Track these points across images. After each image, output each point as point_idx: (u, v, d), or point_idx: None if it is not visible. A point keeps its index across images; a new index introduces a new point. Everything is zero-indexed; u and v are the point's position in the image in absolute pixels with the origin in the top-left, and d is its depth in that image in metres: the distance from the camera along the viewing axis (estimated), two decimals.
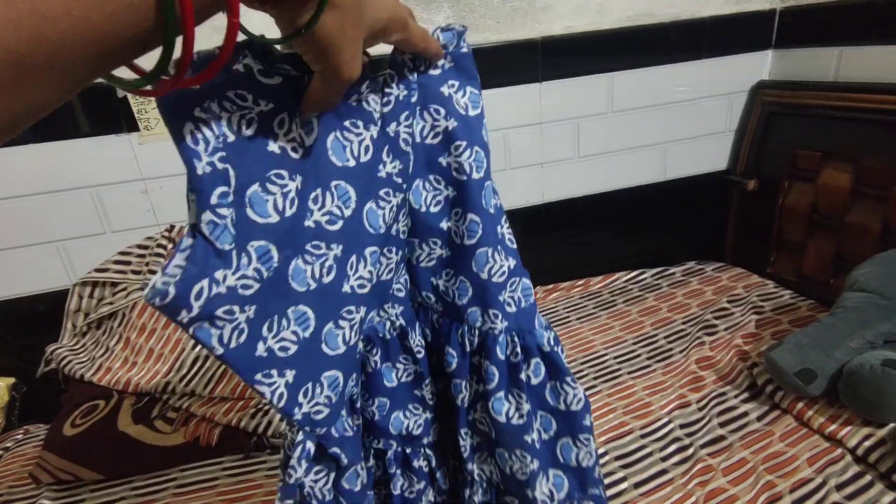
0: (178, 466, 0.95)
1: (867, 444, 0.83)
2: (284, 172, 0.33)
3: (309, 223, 0.36)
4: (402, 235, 0.46)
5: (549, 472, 0.49)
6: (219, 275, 0.30)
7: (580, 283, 1.50)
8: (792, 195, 1.34)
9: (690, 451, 0.89)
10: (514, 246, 0.47)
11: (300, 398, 0.38)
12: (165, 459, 0.95)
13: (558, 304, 1.41)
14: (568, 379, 0.48)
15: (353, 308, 0.41)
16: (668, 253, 1.57)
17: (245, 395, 1.04)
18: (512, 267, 0.46)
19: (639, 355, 1.17)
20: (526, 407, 0.47)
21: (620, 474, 0.87)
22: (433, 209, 0.44)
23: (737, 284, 1.38)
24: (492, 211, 0.44)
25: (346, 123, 0.37)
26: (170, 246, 1.11)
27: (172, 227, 1.13)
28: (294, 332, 0.36)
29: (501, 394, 0.47)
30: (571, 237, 1.48)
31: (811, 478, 0.81)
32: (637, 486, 0.85)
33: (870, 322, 0.92)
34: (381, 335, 0.47)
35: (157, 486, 0.92)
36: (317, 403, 0.39)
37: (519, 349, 0.46)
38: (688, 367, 1.10)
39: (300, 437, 0.40)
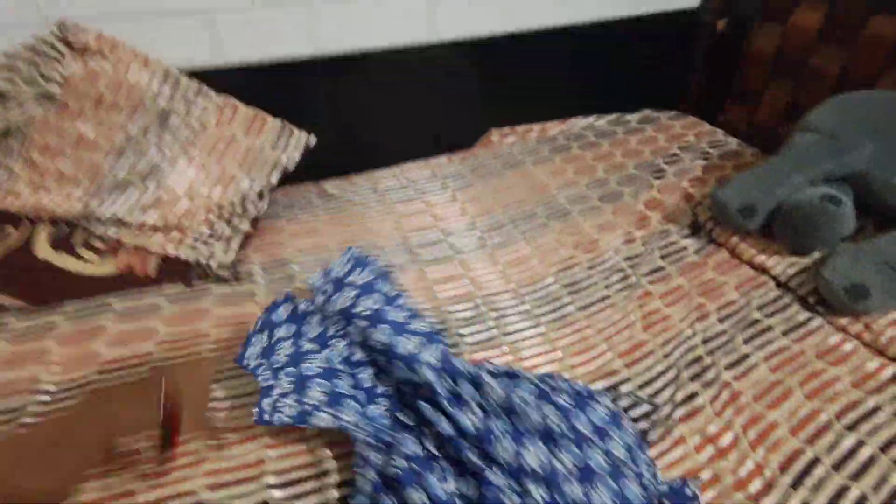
0: (115, 295, 0.89)
1: (790, 271, 0.91)
2: None
3: None
4: None
5: None
6: None
7: (536, 127, 1.45)
8: (760, 38, 1.30)
9: (632, 279, 0.95)
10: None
11: None
12: (97, 288, 0.88)
13: (513, 149, 1.37)
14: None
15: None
16: (624, 100, 1.53)
17: (182, 225, 0.96)
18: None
19: (590, 196, 1.18)
20: None
21: (567, 299, 0.92)
22: None
23: (688, 132, 1.39)
24: None
25: None
26: (65, 49, 0.92)
27: (64, 25, 0.93)
28: None
29: None
30: (530, 77, 1.39)
31: (736, 299, 0.89)
32: (581, 308, 0.90)
33: (814, 162, 0.95)
34: None
35: (93, 312, 0.86)
36: None
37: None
38: (636, 207, 1.13)
39: None
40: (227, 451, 0.66)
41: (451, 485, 0.58)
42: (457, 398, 0.63)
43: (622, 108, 1.51)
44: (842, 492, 0.61)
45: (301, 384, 0.66)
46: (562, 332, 0.86)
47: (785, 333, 0.83)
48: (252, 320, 0.86)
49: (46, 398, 0.73)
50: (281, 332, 0.73)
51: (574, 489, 0.56)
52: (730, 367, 0.77)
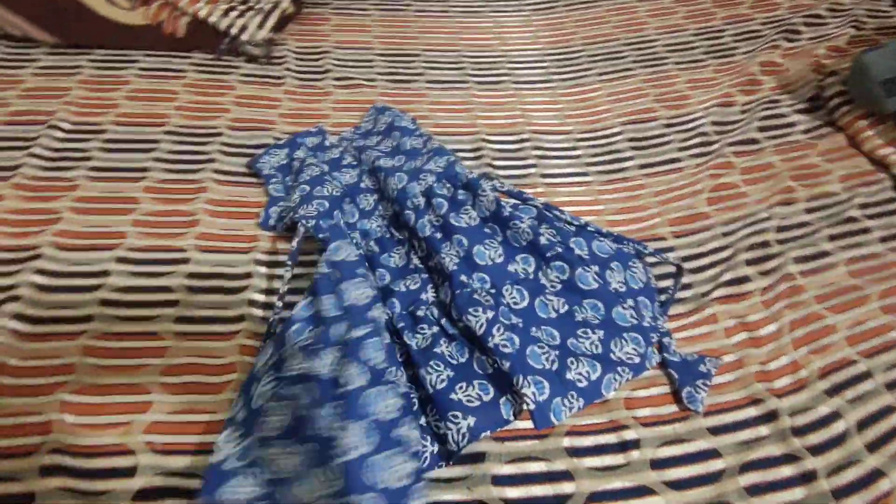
0: (142, 50, 0.84)
1: None
2: None
3: None
4: None
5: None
6: None
7: None
8: None
9: (714, 147, 0.78)
10: None
11: None
12: (125, 39, 0.83)
13: None
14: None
15: None
16: None
17: None
18: None
19: (695, 47, 0.96)
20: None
21: (628, 153, 0.78)
22: None
23: None
24: None
25: None
26: None
27: None
28: None
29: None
30: None
31: (836, 192, 0.72)
32: (642, 167, 0.76)
33: None
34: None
35: (118, 63, 0.82)
36: None
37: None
38: (748, 68, 0.91)
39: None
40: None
41: (429, 293, 0.55)
42: (452, 201, 0.61)
43: None
44: (885, 412, 0.51)
45: (307, 200, 0.63)
46: (611, 186, 0.74)
47: (883, 240, 0.67)
48: (276, 105, 0.80)
49: (60, 135, 0.71)
50: (299, 154, 0.71)
51: (555, 302, 0.54)
52: (801, 260, 0.64)
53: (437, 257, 0.56)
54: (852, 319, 0.59)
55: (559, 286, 0.55)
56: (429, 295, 0.55)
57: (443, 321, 0.52)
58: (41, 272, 0.56)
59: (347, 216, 0.63)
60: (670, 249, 0.66)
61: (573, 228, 0.61)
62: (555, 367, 0.49)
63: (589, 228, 0.61)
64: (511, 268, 0.57)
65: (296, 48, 0.90)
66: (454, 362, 0.49)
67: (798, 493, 0.46)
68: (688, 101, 0.86)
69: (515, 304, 0.53)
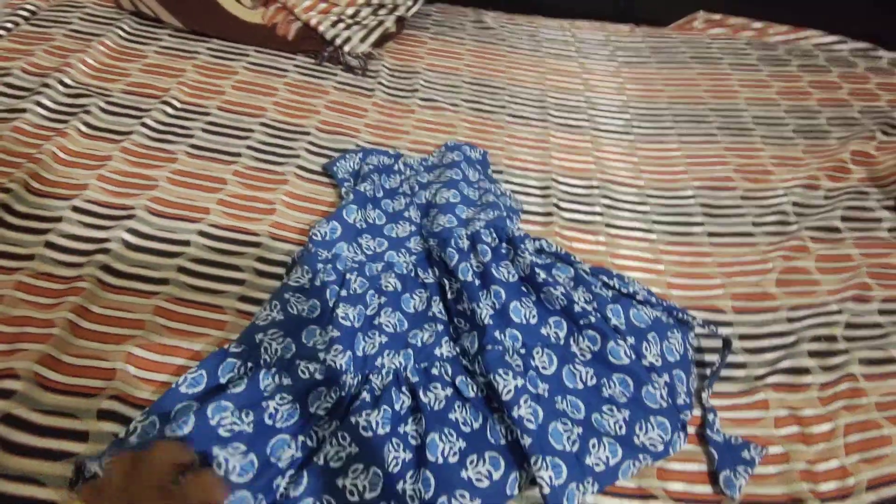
0: (253, 46, 0.91)
1: None
2: None
3: None
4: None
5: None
6: None
7: (756, 25, 1.16)
8: None
9: (791, 227, 0.76)
10: None
11: None
12: (241, 33, 0.90)
13: (715, 42, 1.12)
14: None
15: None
16: (880, 32, 1.15)
17: None
18: None
19: (786, 124, 0.94)
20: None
21: (699, 219, 0.77)
22: None
23: None
24: None
25: None
26: None
27: None
28: None
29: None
30: None
31: None
32: (711, 234, 0.75)
33: None
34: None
35: (231, 54, 0.89)
36: None
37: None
38: (839, 154, 0.88)
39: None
40: None
41: (443, 348, 0.54)
42: (495, 252, 0.60)
43: (879, 41, 1.14)
44: None
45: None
46: (675, 248, 0.73)
47: None
48: (363, 114, 0.84)
49: (170, 111, 0.78)
50: (367, 166, 0.73)
51: (583, 372, 0.53)
52: (867, 363, 0.61)
53: (471, 305, 0.55)
54: None
55: (589, 356, 0.54)
56: (443, 350, 0.53)
57: (458, 380, 0.50)
58: (132, 231, 0.61)
59: (375, 244, 0.63)
60: (728, 324, 0.64)
61: (611, 294, 0.59)
62: (575, 447, 0.47)
63: (631, 290, 0.59)
64: (543, 330, 0.55)
65: (390, 65, 0.95)
66: (467, 430, 0.47)
67: None
68: (770, 176, 0.84)
69: (544, 368, 0.52)
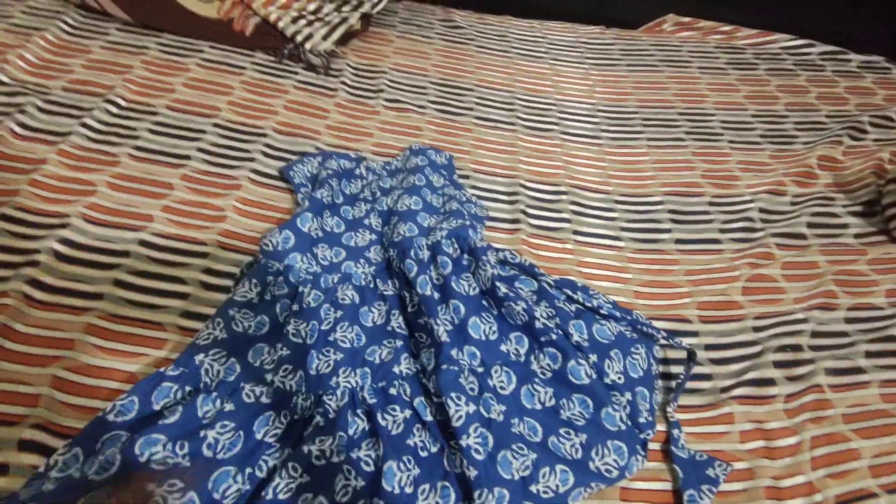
0: (208, 41, 0.86)
1: None
2: None
3: None
4: None
5: None
6: None
7: (725, 28, 1.16)
8: None
9: (758, 234, 0.75)
10: None
11: None
12: (194, 28, 0.85)
13: (685, 45, 1.11)
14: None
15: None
16: (853, 33, 1.16)
17: None
18: None
19: (753, 129, 0.94)
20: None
21: (666, 225, 0.76)
22: None
23: None
24: None
25: None
26: None
27: None
28: None
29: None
30: None
31: (881, 306, 0.68)
32: (679, 241, 0.74)
33: None
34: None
35: (183, 50, 0.84)
36: None
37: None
38: (805, 160, 0.88)
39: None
40: None
41: (402, 365, 0.51)
42: (456, 264, 0.58)
43: (850, 43, 1.15)
44: None
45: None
46: (642, 256, 0.71)
47: None
48: (324, 115, 0.80)
49: (114, 110, 0.73)
50: (327, 168, 0.70)
51: (542, 393, 0.51)
52: (833, 373, 0.60)
53: (429, 320, 0.52)
54: (878, 448, 0.55)
55: (549, 375, 0.52)
56: (402, 367, 0.51)
57: (416, 402, 0.48)
58: (64, 241, 0.57)
59: (332, 254, 0.60)
60: (695, 334, 0.63)
61: (574, 309, 0.57)
62: (525, 473, 0.45)
63: (595, 303, 0.57)
64: (503, 347, 0.53)
65: (354, 63, 0.91)
66: (424, 454, 0.45)
67: None
68: (737, 181, 0.83)
69: (502, 387, 0.50)
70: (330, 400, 0.46)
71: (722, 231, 0.76)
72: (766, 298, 0.67)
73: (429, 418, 0.47)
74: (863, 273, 0.72)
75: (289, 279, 0.54)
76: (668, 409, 0.54)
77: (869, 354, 0.63)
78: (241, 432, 0.44)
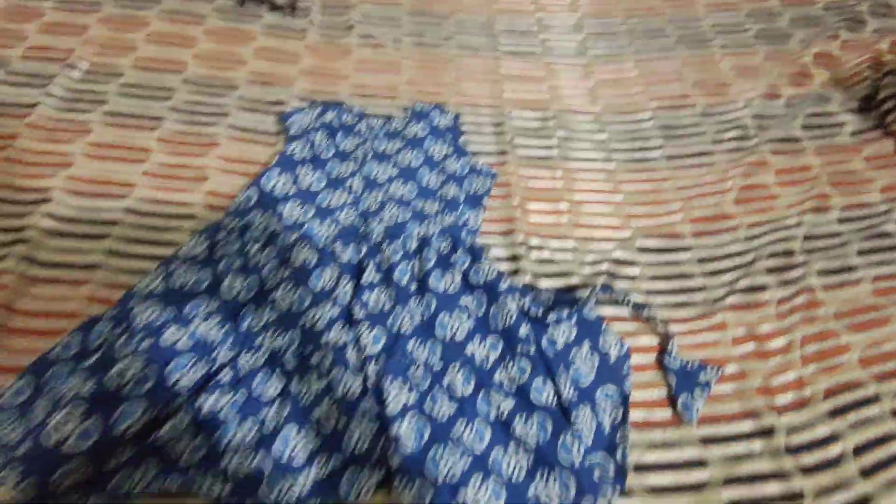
0: None
1: None
2: None
3: None
4: None
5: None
6: None
7: None
8: None
9: (751, 142, 0.74)
10: None
11: None
12: None
13: None
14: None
15: None
16: None
17: None
18: None
19: (746, 30, 0.90)
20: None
21: (657, 142, 0.74)
22: None
23: None
24: None
25: None
26: None
27: None
28: None
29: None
30: None
31: (874, 203, 0.68)
32: (670, 157, 0.73)
33: None
34: None
35: (140, 2, 0.80)
36: None
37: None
38: (800, 57, 0.84)
39: None
40: None
41: (331, 334, 0.50)
42: (443, 259, 0.57)
43: None
44: (886, 439, 0.50)
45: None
46: (633, 176, 0.70)
47: None
48: (296, 60, 0.77)
49: (77, 75, 0.70)
50: (325, 119, 0.69)
51: (501, 403, 0.48)
52: (825, 273, 0.61)
53: (394, 306, 0.52)
54: (869, 340, 0.56)
55: (513, 387, 0.49)
56: (330, 337, 0.49)
57: (332, 375, 0.47)
58: (51, 216, 0.57)
59: (300, 213, 0.59)
60: (687, 249, 0.63)
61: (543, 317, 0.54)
62: (453, 480, 0.43)
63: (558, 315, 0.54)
64: (470, 348, 0.51)
65: (322, 1, 0.86)
66: (327, 430, 0.46)
67: None
68: (729, 89, 0.81)
69: (454, 389, 0.48)
70: (249, 357, 0.47)
71: (714, 142, 0.74)
72: (758, 207, 0.67)
73: (338, 395, 0.46)
74: (857, 171, 0.71)
75: (243, 236, 0.55)
76: (661, 321, 0.55)
77: (861, 252, 0.63)
78: (153, 369, 0.44)
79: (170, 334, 0.46)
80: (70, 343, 0.46)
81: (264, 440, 0.43)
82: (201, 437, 0.43)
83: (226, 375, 0.45)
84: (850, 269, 0.62)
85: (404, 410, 0.45)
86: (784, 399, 0.52)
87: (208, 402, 0.43)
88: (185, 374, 0.44)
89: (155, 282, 0.51)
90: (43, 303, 0.51)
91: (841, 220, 0.67)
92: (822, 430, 0.50)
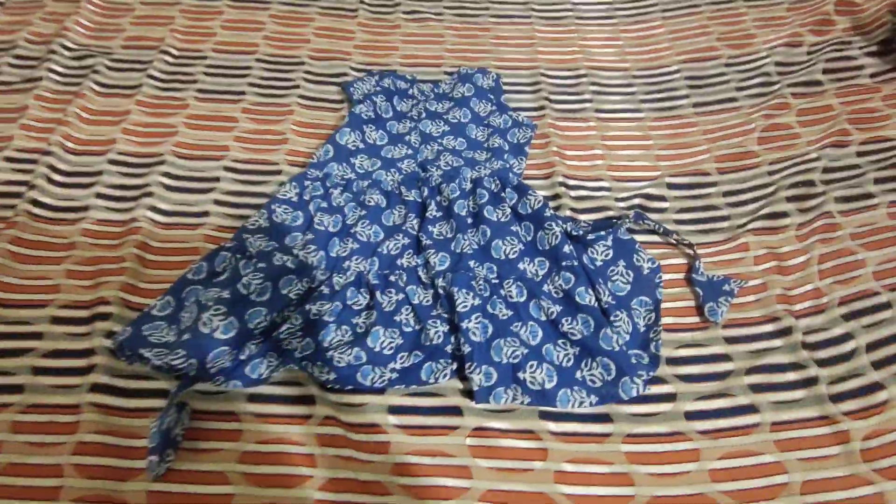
0: None
1: None
2: None
3: None
4: None
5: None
6: None
7: None
8: None
9: (774, 87, 0.79)
10: None
11: None
12: None
13: None
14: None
15: None
16: None
17: None
18: None
19: None
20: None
21: (684, 92, 0.80)
22: None
23: None
24: None
25: None
26: None
27: None
28: None
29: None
30: None
31: (892, 137, 0.73)
32: (697, 105, 0.79)
33: None
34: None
35: None
36: None
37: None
38: (822, 6, 0.88)
39: None
40: None
41: (404, 259, 0.60)
42: (494, 197, 0.65)
43: None
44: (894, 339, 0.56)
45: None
46: (663, 123, 0.77)
47: None
48: (350, 37, 0.87)
49: (170, 59, 0.82)
50: (385, 83, 0.78)
51: (549, 307, 0.57)
52: (843, 200, 0.67)
53: (456, 234, 0.62)
54: (883, 256, 0.62)
55: (559, 295, 0.58)
56: (404, 261, 0.60)
57: (408, 289, 0.57)
58: (166, 175, 0.68)
59: (370, 163, 0.69)
60: (713, 185, 0.70)
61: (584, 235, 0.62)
62: (515, 361, 0.53)
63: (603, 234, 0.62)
64: (521, 265, 0.60)
65: None
66: (408, 330, 0.55)
67: (798, 394, 0.53)
68: (753, 39, 0.86)
69: (511, 297, 0.57)
70: (339, 277, 0.58)
71: (738, 89, 0.80)
72: (780, 145, 0.73)
73: (416, 302, 0.56)
74: (877, 109, 0.76)
75: (325, 183, 0.65)
76: (689, 244, 0.63)
77: (878, 181, 0.68)
78: (269, 284, 0.55)
79: (277, 258, 0.57)
80: (200, 268, 0.58)
81: (358, 339, 0.53)
82: (310, 337, 0.53)
83: (325, 289, 0.56)
84: (867, 195, 0.67)
85: (472, 310, 0.55)
86: (802, 305, 0.59)
87: (313, 309, 0.54)
88: (292, 289, 0.55)
89: (260, 220, 0.62)
90: (169, 243, 0.63)
91: (859, 154, 0.72)
92: (837, 331, 0.57)
